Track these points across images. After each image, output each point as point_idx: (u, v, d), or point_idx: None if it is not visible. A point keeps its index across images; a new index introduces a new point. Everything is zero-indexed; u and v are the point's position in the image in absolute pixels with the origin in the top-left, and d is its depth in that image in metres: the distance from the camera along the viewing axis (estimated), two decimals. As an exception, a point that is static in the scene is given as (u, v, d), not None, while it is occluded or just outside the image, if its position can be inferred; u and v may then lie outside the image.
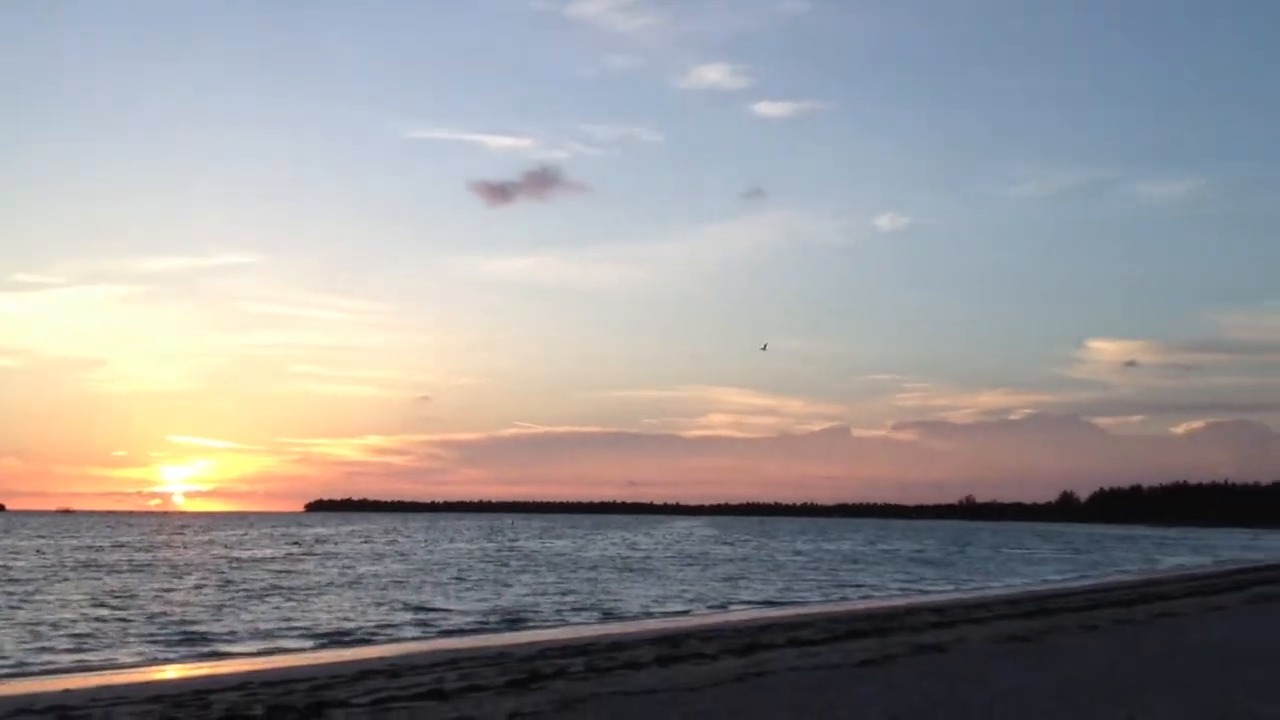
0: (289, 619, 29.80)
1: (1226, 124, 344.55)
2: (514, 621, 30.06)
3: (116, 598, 35.97)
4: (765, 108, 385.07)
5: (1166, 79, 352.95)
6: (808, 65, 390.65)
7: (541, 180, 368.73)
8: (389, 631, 27.26)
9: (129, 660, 22.03)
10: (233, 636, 25.85)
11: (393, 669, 18.17)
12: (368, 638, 26.05)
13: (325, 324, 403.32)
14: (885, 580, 50.28)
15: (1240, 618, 23.50)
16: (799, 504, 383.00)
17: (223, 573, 50.14)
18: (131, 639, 25.12)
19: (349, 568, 54.39)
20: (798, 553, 79.66)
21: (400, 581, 44.78)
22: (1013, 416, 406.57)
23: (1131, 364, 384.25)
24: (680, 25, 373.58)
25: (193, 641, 24.84)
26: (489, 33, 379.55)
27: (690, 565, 60.28)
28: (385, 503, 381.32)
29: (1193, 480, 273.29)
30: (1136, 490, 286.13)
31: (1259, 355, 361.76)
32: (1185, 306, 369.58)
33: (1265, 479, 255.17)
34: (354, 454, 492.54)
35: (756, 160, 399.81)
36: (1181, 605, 27.59)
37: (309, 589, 40.47)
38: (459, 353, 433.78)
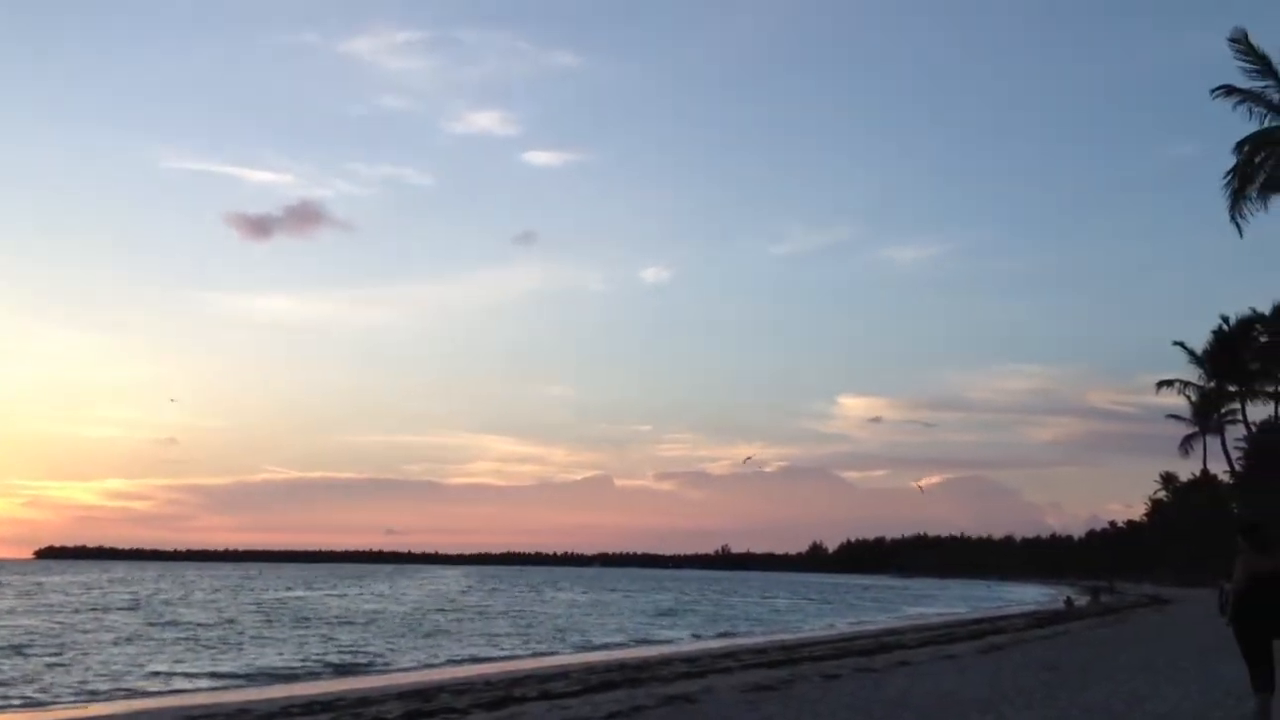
0: (3, 676, 27.65)
1: (963, 193, 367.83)
2: (256, 677, 28.79)
3: None
4: (536, 156, 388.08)
5: (916, 147, 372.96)
6: (578, 116, 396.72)
7: (304, 216, 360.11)
8: (118, 687, 25.63)
9: None
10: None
11: (118, 730, 17.07)
12: (93, 694, 24.43)
13: (62, 359, 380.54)
14: (645, 631, 50.66)
15: (970, 666, 24.65)
16: (560, 553, 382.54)
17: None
18: None
19: (78, 620, 51.08)
20: (570, 603, 79.47)
21: (133, 635, 42.34)
22: (767, 469, 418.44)
23: (877, 420, 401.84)
24: (452, 70, 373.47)
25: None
26: (255, 65, 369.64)
27: (448, 616, 59.30)
28: (124, 550, 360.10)
29: (932, 532, 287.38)
30: (880, 541, 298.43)
31: (992, 414, 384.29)
32: (926, 365, 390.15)
33: (997, 532, 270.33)
34: (91, 498, 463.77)
35: (526, 208, 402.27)
36: (918, 654, 28.75)
37: (29, 644, 37.72)
38: (209, 393, 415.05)
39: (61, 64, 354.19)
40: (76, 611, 58.71)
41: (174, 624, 49.50)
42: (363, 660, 33.84)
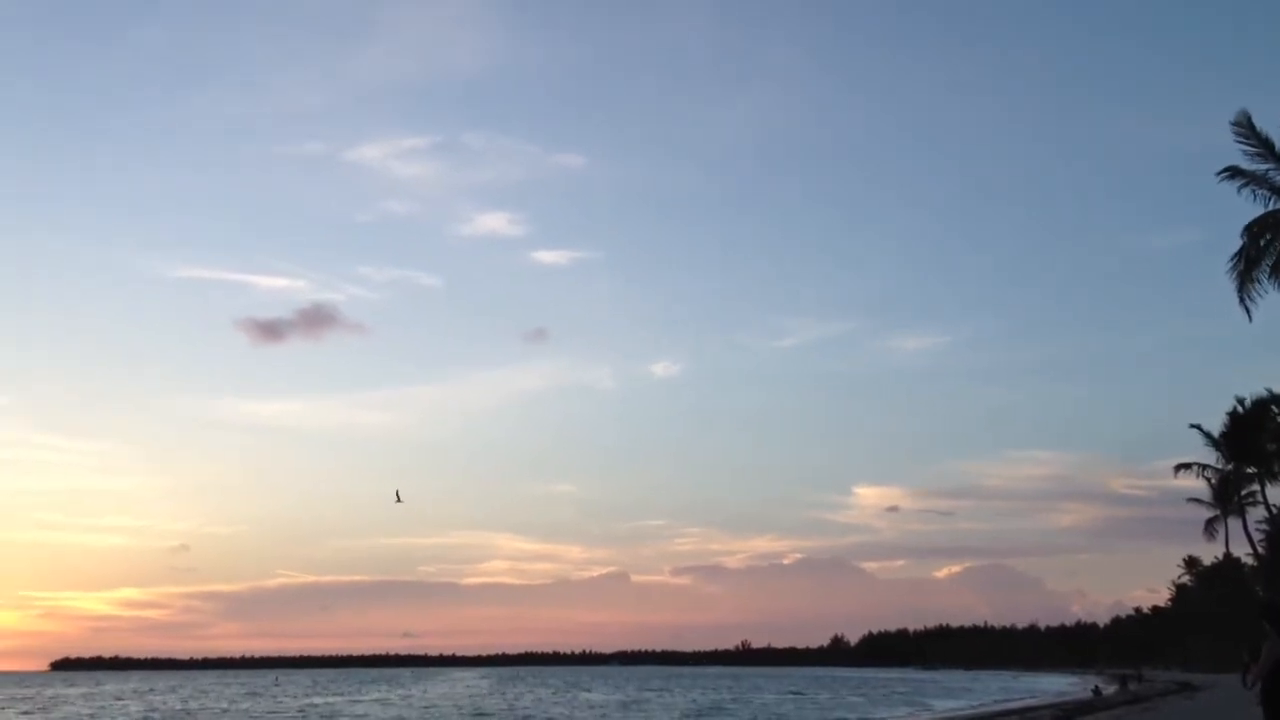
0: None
1: (967, 283, 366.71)
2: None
3: None
4: (544, 255, 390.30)
5: (919, 239, 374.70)
6: (584, 215, 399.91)
7: (315, 319, 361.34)
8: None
9: None
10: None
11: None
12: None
13: (73, 468, 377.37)
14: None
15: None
16: (577, 652, 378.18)
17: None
18: None
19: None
20: (603, 704, 78.77)
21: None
22: (784, 561, 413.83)
23: (893, 509, 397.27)
24: (458, 174, 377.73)
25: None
26: (263, 174, 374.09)
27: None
28: (140, 660, 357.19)
29: (954, 623, 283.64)
30: (903, 633, 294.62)
31: (1009, 501, 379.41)
32: (940, 454, 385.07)
33: (1020, 621, 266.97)
34: (105, 608, 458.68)
35: (536, 307, 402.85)
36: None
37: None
38: (220, 499, 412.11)
39: (69, 176, 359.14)
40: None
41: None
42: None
